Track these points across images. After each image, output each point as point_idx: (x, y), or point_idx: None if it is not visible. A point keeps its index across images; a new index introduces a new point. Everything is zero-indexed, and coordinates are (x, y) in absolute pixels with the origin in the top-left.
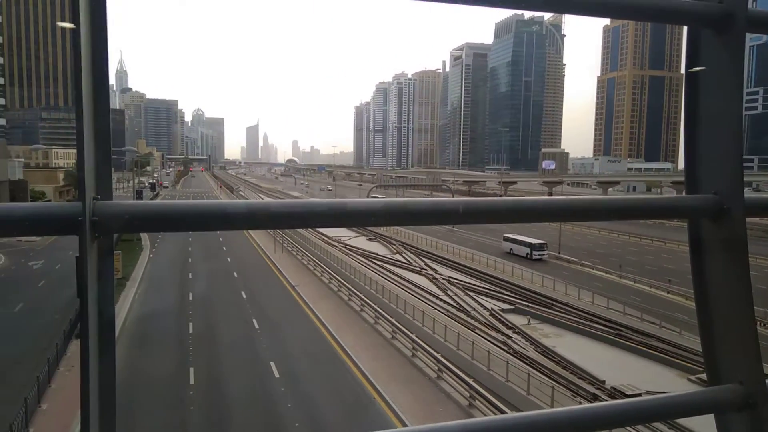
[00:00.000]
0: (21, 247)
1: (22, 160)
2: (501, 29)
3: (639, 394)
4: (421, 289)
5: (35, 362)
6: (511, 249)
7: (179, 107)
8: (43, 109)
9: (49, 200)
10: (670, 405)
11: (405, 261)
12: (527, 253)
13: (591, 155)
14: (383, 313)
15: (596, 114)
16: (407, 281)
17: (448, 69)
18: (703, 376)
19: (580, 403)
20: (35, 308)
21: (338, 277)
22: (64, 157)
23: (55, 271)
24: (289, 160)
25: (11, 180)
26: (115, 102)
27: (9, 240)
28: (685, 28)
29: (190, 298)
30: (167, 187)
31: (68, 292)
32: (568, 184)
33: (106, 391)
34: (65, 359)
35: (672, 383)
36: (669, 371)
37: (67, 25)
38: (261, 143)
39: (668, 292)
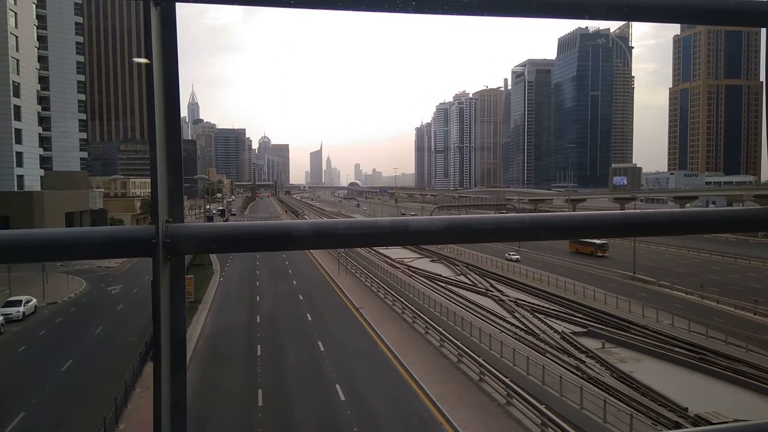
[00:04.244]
0: (101, 273)
1: (102, 190)
2: (564, 44)
3: (726, 422)
4: (487, 311)
5: (113, 383)
6: None
7: (247, 135)
8: (121, 141)
9: None
10: None
11: (470, 282)
12: None
13: (665, 169)
14: (448, 335)
15: (669, 127)
16: (472, 303)
17: (510, 86)
18: None
19: (662, 431)
20: (113, 331)
21: (402, 299)
22: (140, 187)
23: (132, 295)
24: (352, 183)
25: (92, 209)
26: (188, 133)
27: (90, 266)
28: (763, 33)
29: (258, 320)
30: (234, 214)
31: (143, 315)
32: (641, 200)
33: (177, 407)
34: (141, 380)
35: (763, 411)
36: (759, 398)
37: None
38: (324, 167)
39: (755, 314)
